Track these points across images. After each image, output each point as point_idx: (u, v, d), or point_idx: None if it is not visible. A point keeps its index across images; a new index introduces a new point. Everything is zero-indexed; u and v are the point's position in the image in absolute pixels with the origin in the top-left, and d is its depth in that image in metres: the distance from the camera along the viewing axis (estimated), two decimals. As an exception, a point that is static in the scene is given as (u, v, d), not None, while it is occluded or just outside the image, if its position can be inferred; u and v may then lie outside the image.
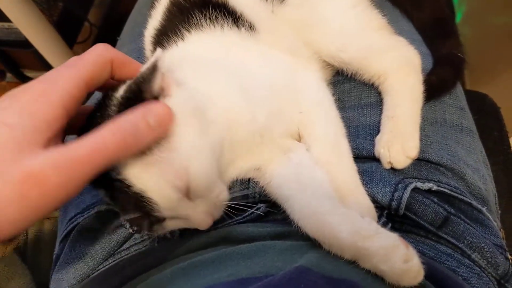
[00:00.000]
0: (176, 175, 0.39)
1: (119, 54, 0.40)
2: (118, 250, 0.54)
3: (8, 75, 1.77)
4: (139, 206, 0.39)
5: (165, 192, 0.39)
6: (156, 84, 0.39)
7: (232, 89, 0.48)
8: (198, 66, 0.49)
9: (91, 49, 0.39)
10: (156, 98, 0.40)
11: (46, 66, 1.39)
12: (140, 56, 0.68)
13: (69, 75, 0.36)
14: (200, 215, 0.43)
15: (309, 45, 0.58)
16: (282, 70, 0.53)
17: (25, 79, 1.64)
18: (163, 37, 0.55)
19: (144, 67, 0.40)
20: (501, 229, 0.53)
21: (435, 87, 0.55)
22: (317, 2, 0.57)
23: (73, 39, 1.56)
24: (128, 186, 0.39)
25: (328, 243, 0.40)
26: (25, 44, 1.32)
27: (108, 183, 0.39)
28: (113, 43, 0.81)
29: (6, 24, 1.36)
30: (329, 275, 0.35)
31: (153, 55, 0.40)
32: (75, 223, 0.57)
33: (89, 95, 0.44)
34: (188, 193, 0.41)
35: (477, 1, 1.17)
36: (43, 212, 0.30)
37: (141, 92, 0.39)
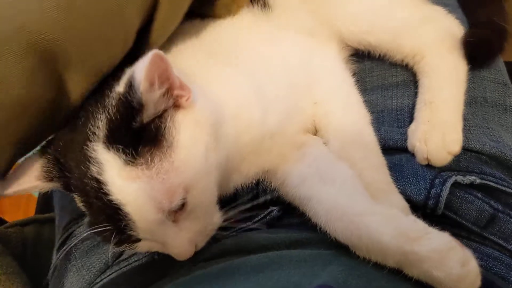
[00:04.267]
0: (166, 195, 0.34)
1: None
2: (116, 261, 0.50)
3: None
4: (112, 219, 0.35)
5: (147, 212, 0.35)
6: (150, 109, 0.34)
7: (243, 85, 0.43)
8: (207, 61, 0.45)
9: None
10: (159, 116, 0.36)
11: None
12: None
13: None
14: (180, 243, 0.37)
15: (327, 25, 0.51)
16: (297, 54, 0.48)
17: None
18: None
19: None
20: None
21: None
22: None
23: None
24: (106, 193, 0.34)
25: (366, 249, 0.35)
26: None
27: (83, 185, 0.35)
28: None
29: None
30: None
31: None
32: (70, 230, 0.54)
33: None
34: (175, 215, 0.36)
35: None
36: None
37: (132, 118, 0.34)
